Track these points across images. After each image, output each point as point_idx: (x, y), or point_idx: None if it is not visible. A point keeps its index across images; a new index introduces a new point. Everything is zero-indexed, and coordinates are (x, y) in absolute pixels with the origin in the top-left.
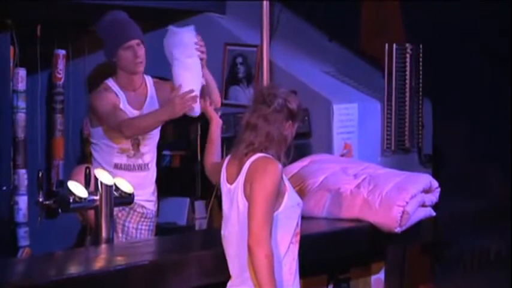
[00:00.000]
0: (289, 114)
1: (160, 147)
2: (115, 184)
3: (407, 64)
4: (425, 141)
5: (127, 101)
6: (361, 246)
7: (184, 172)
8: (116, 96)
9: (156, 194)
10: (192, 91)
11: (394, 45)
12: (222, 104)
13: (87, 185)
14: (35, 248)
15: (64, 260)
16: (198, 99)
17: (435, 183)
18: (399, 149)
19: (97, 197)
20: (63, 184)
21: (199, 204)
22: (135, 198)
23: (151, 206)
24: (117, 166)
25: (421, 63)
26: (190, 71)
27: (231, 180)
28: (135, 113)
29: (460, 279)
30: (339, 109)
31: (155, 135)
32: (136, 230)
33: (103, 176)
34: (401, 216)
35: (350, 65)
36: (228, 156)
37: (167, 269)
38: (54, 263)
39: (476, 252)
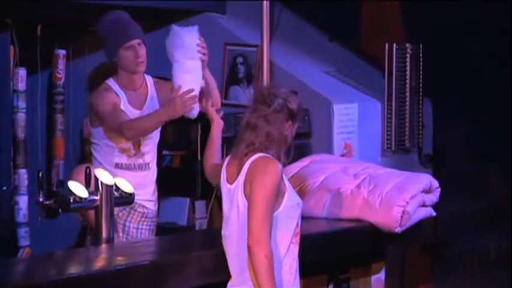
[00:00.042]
0: (289, 114)
1: (160, 147)
2: (115, 184)
3: (408, 64)
4: (426, 141)
5: (127, 100)
6: (361, 246)
7: (184, 172)
8: (117, 96)
9: (156, 193)
10: (192, 90)
11: (394, 45)
12: (222, 104)
13: (87, 185)
14: (35, 248)
15: (64, 260)
16: (197, 101)
17: (435, 183)
18: (399, 149)
19: (97, 197)
20: (63, 184)
21: (199, 204)
22: (136, 198)
23: (152, 206)
24: (117, 166)
25: (421, 63)
26: (190, 74)
27: (231, 180)
28: (135, 112)
29: (460, 279)
30: (339, 109)
31: (156, 134)
32: (137, 229)
33: (103, 176)
34: (402, 216)
35: (350, 65)
36: (228, 156)
37: (167, 269)
38: (54, 263)
39: (476, 252)
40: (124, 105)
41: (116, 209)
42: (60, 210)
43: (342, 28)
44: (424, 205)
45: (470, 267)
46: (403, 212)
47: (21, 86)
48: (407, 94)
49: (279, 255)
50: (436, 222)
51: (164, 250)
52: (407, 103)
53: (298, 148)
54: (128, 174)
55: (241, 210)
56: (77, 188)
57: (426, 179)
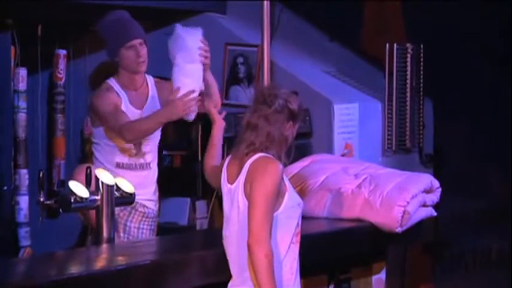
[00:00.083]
0: (290, 114)
1: (161, 147)
2: (116, 184)
3: (408, 64)
4: (426, 141)
5: (128, 100)
6: (362, 246)
7: (185, 172)
8: (118, 96)
9: (157, 193)
10: (193, 92)
11: (395, 45)
12: (223, 104)
13: (88, 185)
14: (36, 247)
15: (65, 260)
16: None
17: (436, 183)
18: (400, 149)
19: (98, 197)
20: (64, 184)
21: (200, 204)
22: (137, 197)
23: (153, 206)
24: (119, 165)
25: (422, 63)
26: (190, 77)
27: (231, 180)
28: (136, 112)
29: (460, 279)
30: (339, 109)
31: (157, 134)
32: (138, 229)
33: (104, 176)
34: (402, 216)
35: (351, 65)
36: (229, 156)
37: (168, 268)
38: (55, 263)
39: (476, 252)
40: (125, 105)
41: (117, 209)
42: (61, 210)
43: (343, 28)
44: (424, 205)
45: (471, 267)
46: (404, 212)
47: (22, 86)
48: (408, 94)
49: (280, 255)
50: (436, 222)
51: (165, 250)
52: (408, 103)
53: (299, 148)
54: (129, 174)
55: (241, 210)
56: (78, 188)
57: (427, 179)
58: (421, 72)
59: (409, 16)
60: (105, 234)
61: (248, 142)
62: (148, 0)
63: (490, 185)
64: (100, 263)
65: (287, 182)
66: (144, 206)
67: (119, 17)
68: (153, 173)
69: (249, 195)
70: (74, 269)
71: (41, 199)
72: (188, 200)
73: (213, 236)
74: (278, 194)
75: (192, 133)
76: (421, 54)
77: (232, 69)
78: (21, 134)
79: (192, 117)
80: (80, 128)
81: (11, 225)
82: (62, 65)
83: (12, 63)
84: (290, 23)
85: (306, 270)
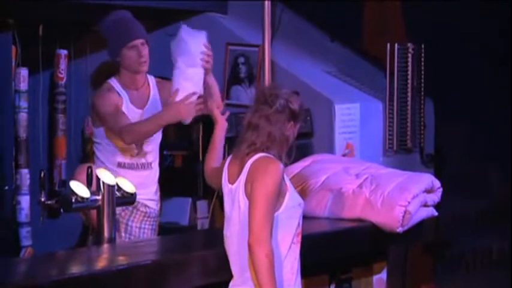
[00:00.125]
0: (291, 114)
1: (162, 147)
2: (117, 184)
3: (409, 64)
4: (427, 141)
5: (129, 100)
6: (363, 246)
7: (186, 172)
8: (119, 96)
9: (158, 193)
10: (195, 94)
11: (396, 45)
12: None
13: (89, 185)
14: (37, 247)
15: (66, 260)
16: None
17: (437, 183)
18: (401, 149)
19: (99, 197)
20: (65, 184)
21: (201, 204)
22: (138, 197)
23: (154, 205)
24: (120, 165)
25: (422, 63)
26: (190, 81)
27: (232, 180)
28: (137, 111)
29: (461, 279)
30: (340, 109)
31: (158, 134)
32: (139, 229)
33: (105, 176)
34: (403, 216)
35: (352, 65)
36: (230, 156)
37: (169, 268)
38: (56, 262)
39: (477, 252)
40: (126, 104)
41: (119, 209)
42: (62, 210)
43: (344, 28)
44: (425, 205)
45: (472, 267)
46: (405, 212)
47: (23, 86)
48: (409, 94)
49: (280, 255)
50: (437, 222)
51: (166, 250)
52: (409, 103)
53: (300, 148)
54: (131, 174)
55: (242, 210)
56: (79, 188)
57: (428, 179)
58: (422, 72)
59: (410, 16)
60: (106, 234)
61: (249, 142)
62: (149, 0)
63: (491, 185)
64: (101, 263)
65: (288, 182)
66: (145, 205)
67: (121, 16)
68: (155, 172)
69: (249, 195)
70: (75, 269)
71: (42, 199)
72: (189, 200)
73: (214, 236)
74: (279, 194)
75: (193, 133)
76: (422, 54)
77: (233, 69)
78: (23, 133)
79: (189, 120)
80: (81, 127)
81: (12, 225)
82: (63, 65)
83: (13, 63)
84: (291, 23)
85: (307, 270)
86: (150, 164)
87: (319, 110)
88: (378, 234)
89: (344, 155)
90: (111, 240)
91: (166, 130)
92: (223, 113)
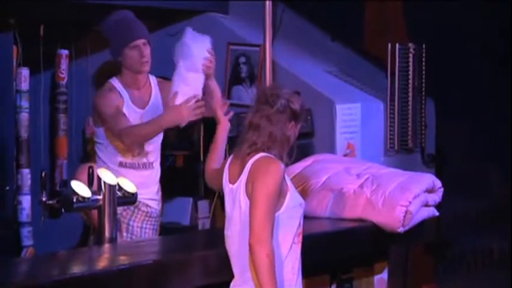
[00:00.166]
0: (292, 114)
1: (163, 147)
2: (118, 184)
3: (410, 64)
4: (428, 141)
5: (131, 99)
6: (364, 246)
7: (187, 172)
8: (120, 96)
9: (160, 193)
10: (195, 97)
11: (397, 45)
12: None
13: (90, 185)
14: (38, 247)
15: (67, 260)
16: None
17: (438, 183)
18: (402, 149)
19: (100, 197)
20: (66, 184)
21: (202, 204)
22: (140, 196)
23: (156, 205)
24: (122, 164)
25: (423, 63)
26: (190, 86)
27: (233, 180)
28: (139, 111)
29: (462, 279)
30: (341, 109)
31: (159, 134)
32: (140, 229)
33: (106, 176)
34: (405, 216)
35: (353, 65)
36: (231, 156)
37: (171, 268)
38: (57, 262)
39: (478, 252)
40: (127, 104)
41: (120, 208)
42: (63, 210)
43: (345, 28)
44: (427, 205)
45: (473, 267)
46: (406, 212)
47: (24, 85)
48: (410, 94)
49: (281, 255)
50: (438, 222)
51: (167, 250)
52: (410, 103)
53: (301, 148)
54: (132, 173)
55: (243, 210)
56: (80, 188)
57: (429, 179)
58: (423, 72)
59: (411, 16)
60: (107, 234)
61: (250, 142)
62: (150, 0)
63: (492, 184)
64: (102, 263)
65: (289, 182)
66: (147, 205)
67: (123, 16)
68: (156, 172)
69: (250, 195)
70: (76, 269)
71: (43, 199)
72: (190, 199)
73: (215, 236)
74: (280, 194)
75: (194, 133)
76: (423, 54)
77: (235, 69)
78: (24, 133)
79: (184, 123)
80: (82, 127)
81: (13, 225)
82: (64, 65)
83: (14, 63)
84: (292, 22)
85: (308, 270)
86: (152, 163)
87: (320, 110)
88: (379, 234)
89: (345, 155)
90: (112, 240)
91: (168, 130)
92: (227, 113)
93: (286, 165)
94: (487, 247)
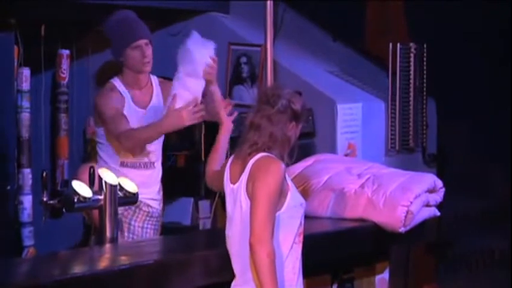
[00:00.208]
0: (293, 115)
1: (165, 147)
2: (119, 184)
3: (411, 64)
4: (430, 140)
5: (132, 99)
6: (365, 246)
7: (188, 172)
8: (121, 96)
9: (161, 193)
10: (197, 100)
11: (398, 45)
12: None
13: (91, 185)
14: (39, 247)
15: (68, 260)
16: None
17: (439, 183)
18: (403, 149)
19: (101, 197)
20: (67, 184)
21: (203, 204)
22: (141, 196)
23: (157, 205)
24: (123, 164)
25: (425, 63)
26: (189, 91)
27: (234, 180)
28: (140, 111)
29: (464, 279)
30: (343, 109)
31: None
32: (142, 228)
33: (107, 176)
34: (406, 216)
35: (354, 65)
36: (232, 156)
37: (172, 268)
38: (58, 262)
39: (479, 252)
40: (128, 104)
41: (121, 208)
42: (64, 210)
43: (346, 28)
44: (428, 205)
45: (474, 267)
46: (407, 212)
47: (25, 85)
48: (411, 94)
49: (282, 255)
50: (440, 222)
51: (168, 250)
52: (411, 103)
53: (302, 148)
54: (133, 173)
55: (244, 210)
56: (81, 188)
57: (430, 179)
58: (424, 72)
59: (412, 16)
60: (108, 234)
61: (251, 142)
62: (151, 0)
63: (493, 184)
64: (103, 263)
65: (289, 182)
66: (148, 205)
67: (124, 16)
68: (157, 172)
69: (251, 194)
70: (77, 269)
71: (45, 199)
72: (191, 199)
73: (216, 236)
74: (280, 194)
75: (196, 133)
76: (424, 54)
77: (236, 68)
78: (25, 133)
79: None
80: (83, 127)
81: (14, 225)
82: (65, 64)
83: (15, 63)
84: (293, 22)
85: (309, 270)
86: (153, 163)
87: (321, 110)
88: (380, 234)
89: (346, 155)
90: (113, 240)
91: None
92: (231, 114)
93: (287, 165)
94: (488, 247)
